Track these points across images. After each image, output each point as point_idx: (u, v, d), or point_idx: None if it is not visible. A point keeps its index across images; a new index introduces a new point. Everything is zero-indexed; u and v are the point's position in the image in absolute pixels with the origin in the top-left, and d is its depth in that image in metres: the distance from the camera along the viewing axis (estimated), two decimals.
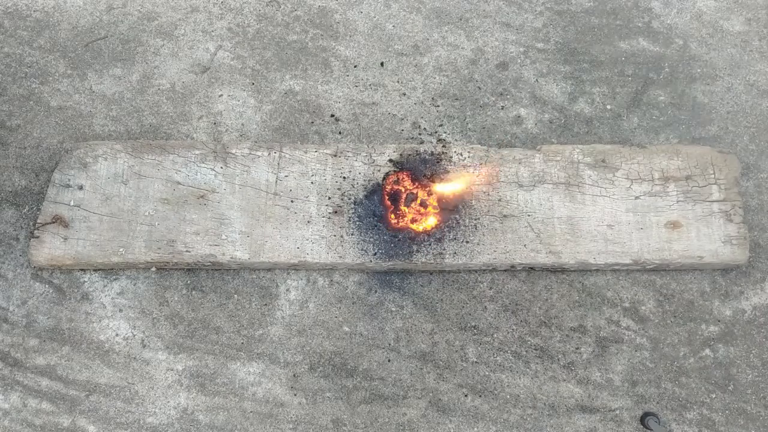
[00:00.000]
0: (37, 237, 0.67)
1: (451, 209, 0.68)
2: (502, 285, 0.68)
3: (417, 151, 0.71)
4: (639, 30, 0.81)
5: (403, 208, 0.68)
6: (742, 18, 0.79)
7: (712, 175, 0.69)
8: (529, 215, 0.68)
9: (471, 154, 0.71)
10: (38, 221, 0.68)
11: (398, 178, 0.70)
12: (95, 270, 0.69)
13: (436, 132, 0.75)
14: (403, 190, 0.69)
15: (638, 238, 0.67)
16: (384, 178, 0.70)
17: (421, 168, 0.70)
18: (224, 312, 0.67)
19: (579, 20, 0.82)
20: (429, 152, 0.71)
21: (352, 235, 0.67)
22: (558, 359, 0.65)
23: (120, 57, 0.80)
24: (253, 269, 0.69)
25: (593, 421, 0.63)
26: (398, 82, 0.79)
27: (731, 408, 0.63)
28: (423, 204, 0.69)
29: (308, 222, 0.68)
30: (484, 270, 0.69)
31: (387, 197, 0.69)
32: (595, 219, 0.68)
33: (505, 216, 0.68)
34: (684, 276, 0.69)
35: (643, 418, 0.63)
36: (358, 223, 0.68)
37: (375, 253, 0.66)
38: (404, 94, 0.78)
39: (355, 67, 0.80)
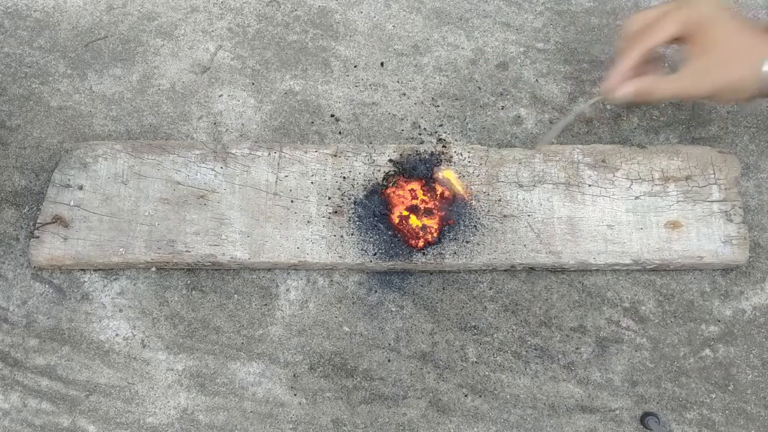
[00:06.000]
0: (37, 237, 0.67)
1: (451, 209, 0.68)
2: (502, 285, 0.68)
3: (417, 151, 0.71)
4: None
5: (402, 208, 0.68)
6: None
7: (712, 175, 0.69)
8: (529, 215, 0.68)
9: (471, 154, 0.71)
10: (38, 221, 0.68)
11: (398, 178, 0.70)
12: (95, 270, 0.69)
13: (436, 132, 0.75)
14: (403, 190, 0.69)
15: (638, 238, 0.67)
16: (384, 178, 0.70)
17: (421, 168, 0.70)
18: (224, 312, 0.67)
19: (579, 20, 0.82)
20: (429, 152, 0.71)
21: (352, 235, 0.67)
22: (558, 359, 0.65)
23: (120, 57, 0.80)
24: (253, 269, 0.69)
25: (593, 421, 0.63)
26: (398, 82, 0.79)
27: (731, 408, 0.63)
28: (423, 204, 0.69)
29: (308, 222, 0.68)
30: (484, 270, 0.69)
31: (387, 197, 0.69)
32: (595, 219, 0.68)
33: (505, 216, 0.68)
34: (684, 276, 0.69)
35: (643, 418, 0.62)
36: (358, 223, 0.68)
37: (375, 253, 0.66)
38: (404, 94, 0.78)
39: (355, 67, 0.80)
